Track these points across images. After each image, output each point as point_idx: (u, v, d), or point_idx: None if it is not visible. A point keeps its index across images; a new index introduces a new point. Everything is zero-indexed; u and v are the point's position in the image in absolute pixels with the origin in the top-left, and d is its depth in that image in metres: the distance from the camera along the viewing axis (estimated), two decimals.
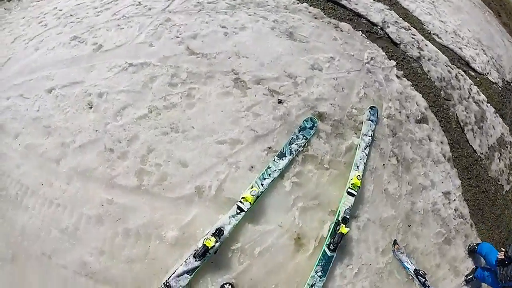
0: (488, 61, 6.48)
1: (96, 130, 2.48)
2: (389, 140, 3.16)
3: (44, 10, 3.79)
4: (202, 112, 2.54)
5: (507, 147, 4.96)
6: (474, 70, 5.72)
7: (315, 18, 3.84)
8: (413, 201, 3.02)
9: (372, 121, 3.13)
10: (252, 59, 2.98)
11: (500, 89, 6.10)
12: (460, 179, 3.64)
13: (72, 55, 2.99)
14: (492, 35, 8.18)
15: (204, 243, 2.06)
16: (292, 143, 2.62)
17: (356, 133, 3.03)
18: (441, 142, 3.66)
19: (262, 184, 2.38)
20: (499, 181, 4.28)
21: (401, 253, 2.70)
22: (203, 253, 2.04)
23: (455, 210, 3.34)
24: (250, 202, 2.25)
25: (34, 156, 2.54)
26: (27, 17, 3.80)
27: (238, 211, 2.23)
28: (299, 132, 2.71)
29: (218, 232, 2.12)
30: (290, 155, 2.55)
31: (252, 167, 2.40)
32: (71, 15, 3.51)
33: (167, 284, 2.06)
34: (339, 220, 2.40)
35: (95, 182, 2.36)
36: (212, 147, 2.42)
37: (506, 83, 6.40)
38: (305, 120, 2.75)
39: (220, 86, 2.70)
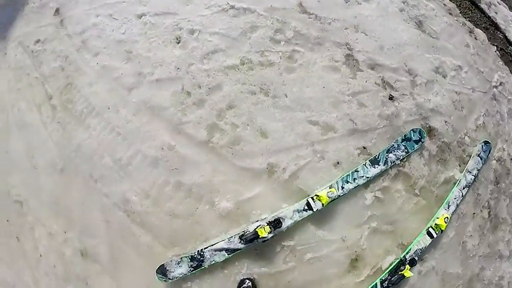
0: None
1: (178, 68, 2.27)
2: (490, 188, 2.59)
3: None
4: (300, 81, 2.15)
5: None
6: None
7: (450, 13, 3.17)
8: (483, 266, 2.50)
9: (481, 158, 2.58)
10: (371, 38, 2.46)
11: None
12: None
13: None
14: None
15: (257, 230, 1.76)
16: (391, 152, 2.15)
17: (460, 166, 2.51)
18: None
19: (342, 187, 1.98)
20: None
21: None
22: (251, 239, 1.78)
23: None
24: (323, 203, 1.87)
25: (109, 78, 2.44)
26: None
27: (306, 207, 1.87)
28: (401, 142, 2.22)
29: (276, 224, 1.79)
30: (384, 165, 2.09)
31: (338, 163, 1.97)
32: None
33: (201, 253, 1.86)
34: (405, 259, 2.02)
35: (161, 121, 2.17)
36: (301, 125, 2.03)
37: None
38: (413, 130, 2.24)
39: (328, 57, 2.25)
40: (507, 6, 3.89)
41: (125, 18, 2.70)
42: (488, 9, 3.61)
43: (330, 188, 1.89)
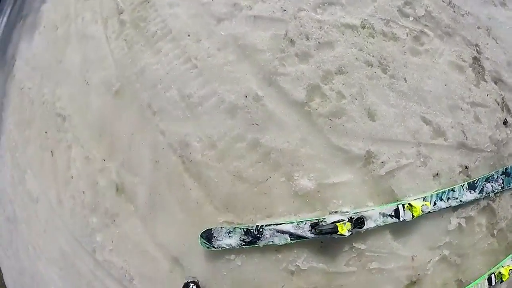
0: None
1: (284, 10, 1.98)
2: None
3: None
4: (424, 69, 1.87)
5: None
6: None
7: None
8: None
9: None
10: (501, 48, 2.17)
11: None
12: None
13: None
14: None
15: (337, 224, 1.55)
16: (489, 182, 1.91)
17: None
18: None
19: (435, 203, 1.74)
20: None
21: None
22: (326, 232, 1.59)
23: None
24: (413, 215, 1.63)
25: (194, 2, 2.16)
26: None
27: (394, 214, 1.62)
28: (501, 175, 1.97)
29: (359, 222, 1.55)
30: (479, 193, 1.85)
31: (437, 174, 1.72)
32: None
33: (260, 229, 1.65)
34: None
35: (252, 65, 1.89)
36: (414, 119, 1.77)
37: None
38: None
39: (456, 53, 1.96)
40: None
41: None
42: None
43: (424, 200, 1.63)
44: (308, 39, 1.86)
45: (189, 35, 2.08)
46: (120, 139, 2.07)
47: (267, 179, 1.73)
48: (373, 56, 1.74)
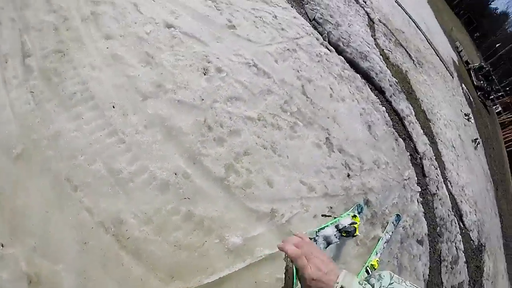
0: (475, 222, 8.42)
1: (203, 100, 2.74)
2: (397, 246, 4.08)
3: None
4: (298, 149, 3.16)
5: None
6: (463, 223, 7.53)
7: (386, 124, 5.14)
8: None
9: (394, 224, 4.11)
10: (341, 130, 3.91)
11: (474, 246, 7.87)
12: None
13: (205, 13, 3.42)
14: (486, 202, 10.66)
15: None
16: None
17: (382, 228, 3.84)
18: (425, 265, 4.79)
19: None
20: None
21: None
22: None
23: None
24: None
25: (119, 72, 2.49)
26: None
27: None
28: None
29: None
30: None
31: (315, 216, 2.92)
32: None
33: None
34: None
35: (179, 146, 2.46)
36: (295, 183, 2.93)
37: (479, 244, 8.31)
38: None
39: (315, 136, 3.46)
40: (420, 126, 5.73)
41: (151, 18, 2.94)
42: (409, 125, 5.66)
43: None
44: (222, 126, 2.76)
45: (114, 107, 2.35)
46: (29, 218, 1.84)
47: (203, 243, 2.23)
48: (266, 142, 2.78)
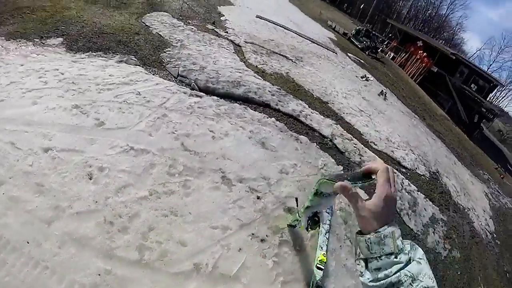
0: (416, 159, 9.56)
1: (96, 202, 3.22)
2: (343, 227, 4.77)
3: (45, 67, 4.80)
4: (197, 201, 3.72)
5: (439, 223, 7.41)
6: (405, 167, 8.58)
7: (281, 131, 6.14)
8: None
9: (328, 213, 4.78)
10: (235, 162, 4.52)
11: (427, 179, 9.03)
12: None
13: (73, 123, 3.88)
14: (418, 136, 12.02)
15: None
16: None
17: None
18: None
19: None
20: (435, 249, 6.38)
21: None
22: None
23: None
24: None
25: (21, 210, 2.87)
26: (27, 66, 4.70)
27: None
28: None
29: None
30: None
31: (240, 249, 3.48)
32: (73, 83, 4.60)
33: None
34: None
35: (91, 251, 2.88)
36: (207, 231, 3.49)
37: (432, 173, 9.59)
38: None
39: (210, 181, 4.07)
40: (319, 113, 6.51)
41: (30, 150, 3.35)
42: (306, 119, 6.88)
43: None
44: (121, 217, 3.26)
45: (28, 242, 2.72)
46: None
47: None
48: (165, 210, 3.35)
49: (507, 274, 8.91)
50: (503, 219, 12.37)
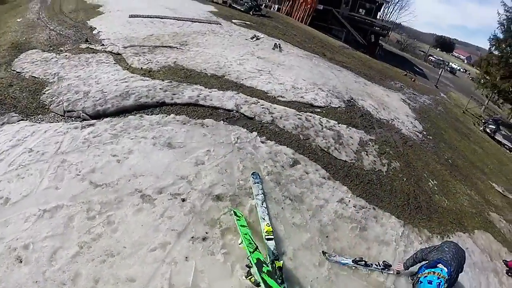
0: (327, 95, 10.26)
1: (36, 281, 3.22)
2: (277, 189, 5.26)
3: None
4: (126, 232, 3.87)
5: (369, 144, 8.21)
6: (318, 107, 9.19)
7: (184, 124, 6.27)
8: (319, 220, 5.00)
9: (257, 183, 5.19)
10: (148, 176, 4.88)
11: (344, 109, 9.80)
12: (345, 185, 6.12)
13: None
14: (323, 73, 12.76)
15: None
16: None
17: (250, 197, 4.93)
18: (316, 170, 6.20)
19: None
20: (375, 169, 7.21)
21: (333, 256, 4.45)
22: None
23: (354, 206, 5.62)
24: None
25: None
26: None
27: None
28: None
29: None
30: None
31: (186, 257, 3.76)
32: None
33: None
34: (272, 260, 3.87)
35: None
36: (148, 256, 3.68)
37: (347, 102, 10.45)
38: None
39: (131, 205, 4.24)
40: (217, 89, 6.68)
41: None
42: (205, 101, 7.06)
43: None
44: (64, 284, 3.13)
45: None
46: None
47: None
48: (100, 256, 3.47)
49: (449, 160, 10.23)
50: (427, 115, 14.07)
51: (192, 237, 3.93)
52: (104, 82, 7.33)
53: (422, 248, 4.61)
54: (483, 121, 18.77)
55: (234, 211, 4.32)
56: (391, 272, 4.60)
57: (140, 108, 6.48)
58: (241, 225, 4.05)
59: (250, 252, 3.50)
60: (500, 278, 6.08)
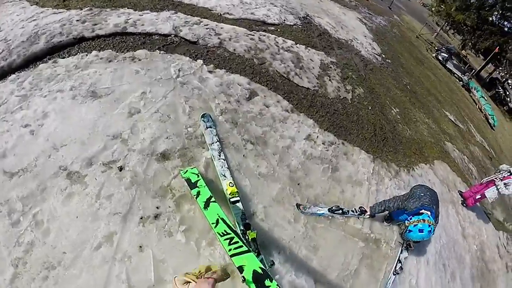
0: (280, 11, 9.04)
1: None
2: (235, 132, 4.44)
3: None
4: (60, 231, 2.98)
5: (331, 67, 7.43)
6: (272, 24, 8.06)
7: (109, 61, 4.90)
8: (287, 164, 4.41)
9: (210, 127, 4.27)
10: (71, 144, 3.66)
11: (300, 27, 8.79)
12: (311, 118, 5.47)
13: None
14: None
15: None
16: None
17: (204, 147, 4.12)
18: (277, 102, 5.39)
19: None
20: (340, 96, 6.61)
21: (308, 208, 4.06)
22: None
23: (323, 143, 5.10)
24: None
25: None
26: None
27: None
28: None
29: None
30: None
31: (140, 246, 3.05)
32: None
33: None
34: (243, 230, 3.27)
35: None
36: (94, 256, 2.91)
37: (302, 19, 9.38)
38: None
39: (58, 192, 3.21)
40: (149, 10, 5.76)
41: None
42: (135, 28, 5.47)
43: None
44: None
45: None
46: None
47: None
48: (40, 271, 2.70)
49: (407, 86, 10.03)
50: (384, 37, 13.45)
51: (141, 218, 3.23)
52: (8, 27, 5.57)
53: (391, 197, 4.42)
54: (435, 48, 19.00)
55: (186, 178, 3.47)
56: (367, 216, 4.42)
57: (54, 50, 4.97)
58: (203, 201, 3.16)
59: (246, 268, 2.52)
60: (457, 209, 6.24)
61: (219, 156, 3.94)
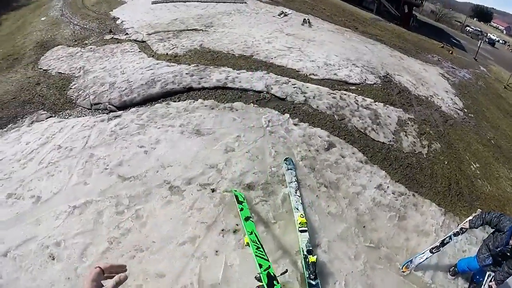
0: (361, 71, 9.74)
1: (68, 278, 3.24)
2: (311, 175, 4.98)
3: None
4: (155, 226, 3.79)
5: (408, 123, 7.68)
6: (353, 84, 8.70)
7: (212, 108, 6.04)
8: (356, 208, 4.76)
9: (291, 169, 4.91)
10: (176, 166, 4.74)
11: (380, 86, 9.24)
12: (383, 170, 5.76)
13: (13, 213, 3.80)
14: (356, 47, 12.15)
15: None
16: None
17: (283, 185, 4.72)
18: (353, 153, 5.86)
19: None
20: (415, 151, 6.75)
21: (411, 263, 4.12)
22: None
23: (393, 193, 5.30)
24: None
25: None
26: None
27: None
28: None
29: None
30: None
31: (216, 251, 3.65)
32: None
33: None
34: (306, 255, 3.69)
35: None
36: (177, 250, 3.60)
37: (382, 78, 9.86)
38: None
39: (159, 198, 4.13)
40: (246, 70, 6.48)
41: None
42: (234, 84, 6.84)
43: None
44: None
45: None
46: None
47: None
48: (130, 251, 3.43)
49: (491, 140, 9.56)
50: (467, 91, 13.17)
51: (222, 230, 3.83)
52: (130, 71, 7.25)
53: (486, 211, 4.19)
54: None
55: (235, 195, 4.01)
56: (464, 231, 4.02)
57: (167, 95, 6.37)
58: (249, 228, 3.48)
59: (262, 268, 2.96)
60: None
61: (295, 193, 4.47)
